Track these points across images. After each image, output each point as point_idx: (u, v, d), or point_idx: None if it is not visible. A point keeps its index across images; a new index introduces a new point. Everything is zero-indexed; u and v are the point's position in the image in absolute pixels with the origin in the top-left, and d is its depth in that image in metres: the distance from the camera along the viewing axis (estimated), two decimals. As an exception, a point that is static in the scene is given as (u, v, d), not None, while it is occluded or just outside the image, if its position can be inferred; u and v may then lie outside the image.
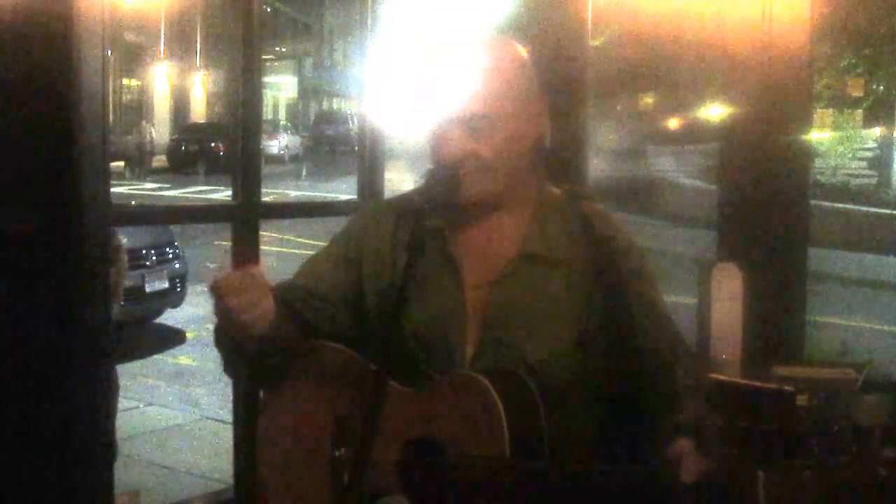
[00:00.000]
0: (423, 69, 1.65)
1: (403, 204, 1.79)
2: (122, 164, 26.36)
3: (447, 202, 1.65)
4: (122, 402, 6.45)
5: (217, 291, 1.53)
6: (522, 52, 1.68)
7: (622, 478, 1.42)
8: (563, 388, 1.59)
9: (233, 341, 1.64)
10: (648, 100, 29.03)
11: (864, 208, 16.73)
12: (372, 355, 1.60)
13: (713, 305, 2.78)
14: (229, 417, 2.78)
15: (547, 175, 1.76)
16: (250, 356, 1.65)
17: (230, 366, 1.77)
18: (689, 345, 1.77)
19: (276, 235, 12.62)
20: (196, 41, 35.52)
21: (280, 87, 45.16)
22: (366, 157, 3.18)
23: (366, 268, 1.74)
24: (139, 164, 27.38)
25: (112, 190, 2.46)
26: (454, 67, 1.61)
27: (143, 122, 29.18)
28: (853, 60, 17.82)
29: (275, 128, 32.07)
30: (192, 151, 27.28)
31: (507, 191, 1.67)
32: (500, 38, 1.71)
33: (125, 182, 22.44)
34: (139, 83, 33.97)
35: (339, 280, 1.75)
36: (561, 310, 1.65)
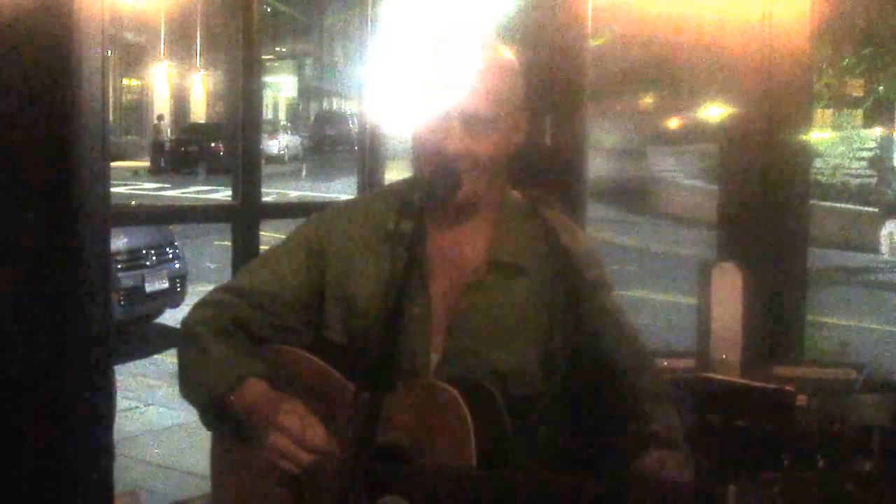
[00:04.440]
0: (423, 69, 1.64)
1: (368, 204, 1.78)
2: (137, 163, 26.70)
3: (440, 200, 1.63)
4: (122, 402, 6.46)
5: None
6: (516, 60, 1.68)
7: (590, 487, 1.41)
8: (530, 396, 1.59)
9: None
10: (648, 100, 29.01)
11: (864, 208, 16.73)
12: (372, 355, 1.59)
13: (713, 305, 2.79)
14: (229, 417, 2.77)
15: (511, 181, 1.75)
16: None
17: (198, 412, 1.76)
18: (652, 360, 1.77)
19: (276, 235, 12.60)
20: (196, 41, 35.47)
21: (280, 87, 45.11)
22: (366, 157, 3.18)
23: (331, 270, 1.72)
24: (161, 159, 27.61)
25: (112, 190, 2.46)
26: (457, 66, 1.61)
27: (160, 121, 29.24)
28: (853, 60, 17.80)
29: (275, 128, 32.03)
30: (192, 151, 27.28)
31: (486, 195, 1.67)
32: (499, 43, 1.71)
33: (126, 182, 22.42)
34: (139, 83, 33.94)
35: (304, 283, 1.73)
36: (527, 318, 1.65)
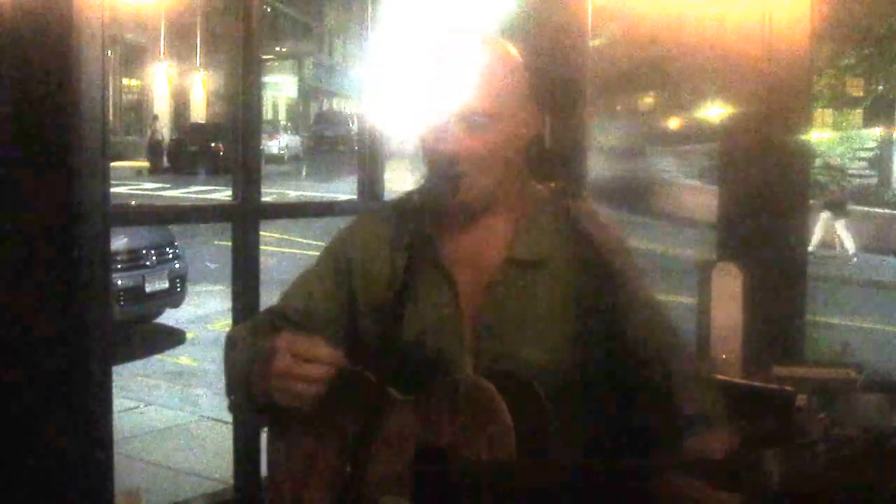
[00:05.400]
0: (423, 67, 1.64)
1: (390, 211, 1.79)
2: (137, 163, 26.87)
3: (442, 203, 1.64)
4: (123, 402, 6.47)
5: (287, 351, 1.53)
6: (517, 54, 1.68)
7: (626, 467, 1.42)
8: (562, 390, 1.58)
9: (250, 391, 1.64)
10: (648, 100, 29.04)
11: (864, 208, 16.75)
12: (374, 365, 1.60)
13: (713, 305, 2.79)
14: (229, 417, 2.77)
15: (531, 175, 1.75)
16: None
17: (239, 408, 1.76)
18: (687, 342, 1.77)
19: (276, 235, 12.63)
20: (196, 41, 35.46)
21: (280, 87, 45.10)
22: (366, 157, 3.18)
23: (357, 281, 1.73)
24: (159, 160, 27.76)
25: (112, 190, 2.46)
26: (455, 65, 1.61)
27: (154, 122, 29.30)
28: (853, 60, 17.82)
29: (275, 128, 32.08)
30: (192, 151, 27.30)
31: (498, 193, 1.67)
32: (499, 39, 1.70)
33: (126, 182, 22.43)
34: (139, 83, 33.94)
35: (333, 297, 1.74)
36: (554, 312, 1.64)
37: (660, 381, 1.61)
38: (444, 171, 1.60)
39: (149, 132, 29.07)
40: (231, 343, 1.75)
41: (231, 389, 1.72)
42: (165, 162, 27.89)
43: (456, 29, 1.70)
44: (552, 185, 1.75)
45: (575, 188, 1.78)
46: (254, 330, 1.74)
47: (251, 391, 1.62)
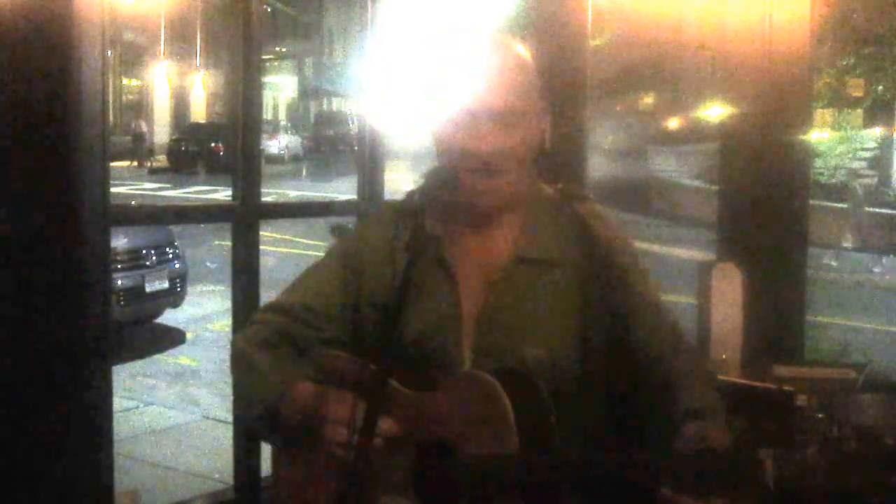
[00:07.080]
0: (444, 67, 1.64)
1: (400, 208, 1.79)
2: (131, 163, 26.92)
3: (465, 202, 1.64)
4: (122, 402, 6.47)
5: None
6: (528, 51, 1.70)
7: (624, 462, 1.43)
8: (563, 389, 1.59)
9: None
10: (648, 100, 29.03)
11: (864, 208, 16.73)
12: (372, 356, 1.60)
13: (713, 305, 2.79)
14: (229, 417, 2.78)
15: (540, 174, 1.76)
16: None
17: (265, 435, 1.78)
18: (688, 340, 1.77)
19: (276, 235, 12.63)
20: (196, 41, 35.48)
21: (280, 87, 45.14)
22: (366, 157, 3.18)
23: (365, 278, 1.75)
24: (145, 158, 27.87)
25: (112, 190, 2.46)
26: (484, 64, 1.61)
27: (139, 120, 29.35)
28: (853, 60, 17.83)
29: (275, 128, 32.09)
30: (192, 151, 27.33)
31: (517, 191, 1.67)
32: (512, 36, 1.72)
33: (126, 182, 22.44)
34: (139, 83, 33.95)
35: (341, 296, 1.76)
36: (557, 311, 1.65)
37: (662, 380, 1.62)
38: (475, 170, 1.60)
39: (132, 126, 29.11)
40: (243, 361, 1.75)
41: (245, 407, 1.75)
42: (156, 161, 27.95)
43: (471, 27, 1.71)
44: (558, 185, 1.76)
45: (580, 189, 1.78)
46: (263, 341, 1.74)
47: (277, 421, 1.65)
